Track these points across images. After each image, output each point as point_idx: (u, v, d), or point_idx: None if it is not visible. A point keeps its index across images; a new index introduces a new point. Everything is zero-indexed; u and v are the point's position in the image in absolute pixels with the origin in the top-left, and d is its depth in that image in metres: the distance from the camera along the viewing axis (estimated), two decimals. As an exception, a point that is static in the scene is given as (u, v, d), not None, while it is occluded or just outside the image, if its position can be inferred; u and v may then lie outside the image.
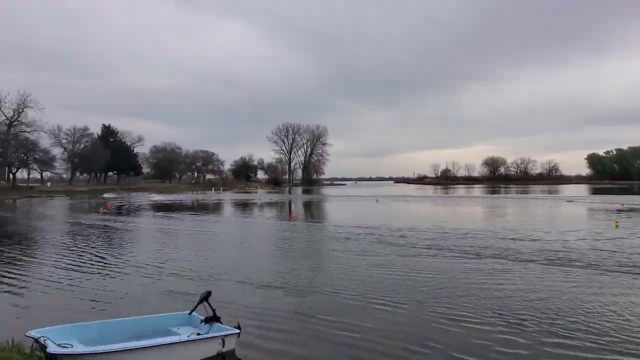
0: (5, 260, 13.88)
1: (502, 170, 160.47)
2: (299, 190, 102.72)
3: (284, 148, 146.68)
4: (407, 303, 8.66)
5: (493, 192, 76.20)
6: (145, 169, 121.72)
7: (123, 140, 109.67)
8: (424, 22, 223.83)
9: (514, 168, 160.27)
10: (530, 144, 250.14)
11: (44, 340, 5.43)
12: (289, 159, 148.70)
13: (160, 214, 32.28)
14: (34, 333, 5.62)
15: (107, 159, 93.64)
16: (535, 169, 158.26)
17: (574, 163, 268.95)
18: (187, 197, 61.47)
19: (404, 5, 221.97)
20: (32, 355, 5.43)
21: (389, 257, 13.59)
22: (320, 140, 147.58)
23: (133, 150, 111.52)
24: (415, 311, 8.17)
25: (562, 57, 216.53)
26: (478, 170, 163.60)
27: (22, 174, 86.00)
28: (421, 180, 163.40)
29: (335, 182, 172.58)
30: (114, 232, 21.15)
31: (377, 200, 48.26)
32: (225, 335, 6.31)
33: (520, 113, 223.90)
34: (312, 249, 15.84)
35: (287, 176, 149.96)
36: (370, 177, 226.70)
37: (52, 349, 5.23)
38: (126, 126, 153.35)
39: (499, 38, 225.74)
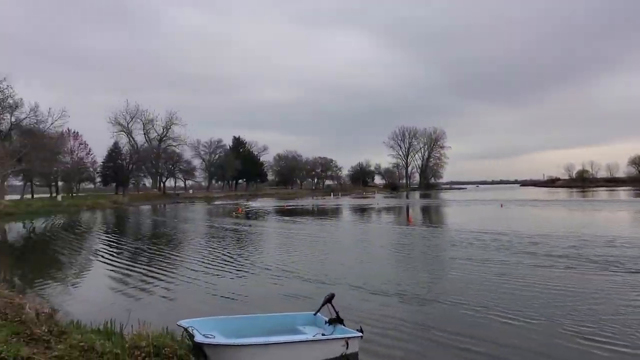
0: (158, 256, 16.04)
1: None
2: (417, 194, 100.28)
3: (400, 152, 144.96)
4: (539, 319, 7.88)
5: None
6: (270, 176, 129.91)
7: (251, 149, 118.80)
8: (541, 13, 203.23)
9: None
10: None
11: (192, 330, 6.13)
12: (406, 163, 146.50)
13: (283, 218, 34.19)
14: (183, 323, 6.39)
15: (238, 168, 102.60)
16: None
17: None
18: (307, 202, 64.04)
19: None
20: (182, 342, 6.05)
21: (517, 267, 12.50)
22: (438, 143, 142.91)
23: (259, 159, 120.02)
24: (549, 329, 7.39)
25: None
26: (623, 171, 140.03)
27: (169, 182, 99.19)
28: (552, 182, 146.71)
29: (454, 186, 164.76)
30: (244, 235, 22.91)
31: (501, 205, 44.89)
32: (349, 338, 6.43)
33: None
34: (431, 255, 15.27)
35: (404, 181, 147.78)
36: (493, 181, 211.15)
37: (198, 338, 5.85)
38: (253, 137, 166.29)
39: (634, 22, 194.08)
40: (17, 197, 63.00)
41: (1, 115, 57.83)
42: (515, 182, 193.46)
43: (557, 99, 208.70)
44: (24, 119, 60.80)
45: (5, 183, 57.31)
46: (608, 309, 8.41)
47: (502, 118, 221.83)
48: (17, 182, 68.75)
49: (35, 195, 70.03)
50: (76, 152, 71.70)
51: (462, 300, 9.15)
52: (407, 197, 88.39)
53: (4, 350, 4.94)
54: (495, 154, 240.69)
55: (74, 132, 71.06)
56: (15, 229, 29.59)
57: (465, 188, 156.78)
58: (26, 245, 21.42)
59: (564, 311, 8.31)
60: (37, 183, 71.48)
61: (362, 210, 44.25)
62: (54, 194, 70.32)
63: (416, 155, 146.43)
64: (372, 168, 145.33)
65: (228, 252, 16.72)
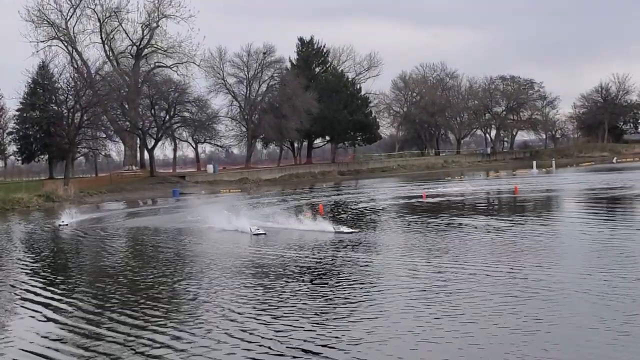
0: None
1: None
2: None
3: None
4: None
5: None
6: (386, 129, 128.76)
7: (339, 68, 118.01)
8: None
9: None
10: None
11: None
12: None
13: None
14: None
15: (311, 110, 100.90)
16: None
17: None
18: (478, 187, 61.64)
19: None
20: None
21: None
22: None
23: (360, 90, 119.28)
24: None
25: None
26: None
27: (162, 150, 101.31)
28: None
29: None
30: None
31: None
32: None
33: None
34: None
35: None
36: None
37: None
38: (343, 38, 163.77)
39: None
40: None
41: None
42: None
43: None
44: None
45: None
46: None
47: None
48: None
49: None
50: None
51: None
52: None
53: None
54: None
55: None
56: None
57: None
58: None
59: None
60: None
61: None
62: None
63: None
64: (635, 97, 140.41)
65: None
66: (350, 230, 32.62)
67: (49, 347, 14.33)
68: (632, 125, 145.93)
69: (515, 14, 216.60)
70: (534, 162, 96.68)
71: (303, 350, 13.13)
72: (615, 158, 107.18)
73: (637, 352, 14.17)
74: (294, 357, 12.50)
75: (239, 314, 16.15)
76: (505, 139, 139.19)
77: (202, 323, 15.92)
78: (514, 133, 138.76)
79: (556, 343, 13.88)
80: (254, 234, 32.13)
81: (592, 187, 57.72)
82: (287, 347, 13.29)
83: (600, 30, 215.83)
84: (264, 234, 32.25)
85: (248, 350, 13.01)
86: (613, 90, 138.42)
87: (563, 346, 13.76)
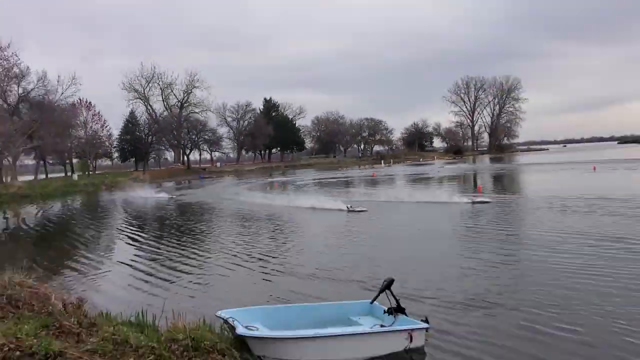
0: (187, 241, 16.64)
1: None
2: (486, 159, 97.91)
3: (464, 109, 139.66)
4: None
5: None
6: (308, 144, 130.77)
7: (285, 113, 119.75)
8: None
9: None
10: None
11: (233, 321, 6.33)
12: (472, 122, 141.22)
13: (328, 190, 34.21)
14: (223, 314, 6.61)
15: (270, 134, 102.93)
16: None
17: None
18: (354, 173, 63.95)
19: None
20: (222, 335, 6.27)
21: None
22: (511, 95, 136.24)
23: (295, 124, 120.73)
24: None
25: None
26: None
27: (193, 155, 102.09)
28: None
29: (533, 147, 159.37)
30: (282, 215, 23.06)
31: (594, 168, 43.07)
32: (413, 330, 6.36)
33: None
34: (507, 236, 14.85)
35: (469, 143, 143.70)
36: (583, 138, 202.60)
37: (240, 330, 6.06)
38: (287, 98, 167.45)
39: None
40: (31, 177, 66.67)
41: (7, 87, 60.10)
42: (612, 139, 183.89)
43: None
44: (31, 89, 63.18)
45: (17, 163, 60.24)
46: None
47: (595, 59, 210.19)
48: (29, 161, 72.21)
49: (49, 175, 73.97)
50: (90, 124, 74.68)
51: (544, 302, 8.62)
52: (474, 162, 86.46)
53: (34, 344, 5.19)
54: (585, 105, 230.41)
55: (87, 101, 73.75)
56: (33, 213, 31.49)
57: (547, 149, 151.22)
58: (46, 231, 22.72)
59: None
60: (51, 161, 75.47)
61: (419, 181, 43.72)
62: (69, 173, 73.92)
63: (484, 111, 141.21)
64: (430, 129, 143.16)
65: (263, 234, 17.14)
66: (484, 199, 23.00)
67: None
68: (429, 143, 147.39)
69: (371, 86, 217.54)
70: (382, 161, 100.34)
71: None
72: (421, 159, 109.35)
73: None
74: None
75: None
76: (368, 149, 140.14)
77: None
78: (372, 146, 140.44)
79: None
80: (352, 211, 21.35)
81: (411, 173, 59.78)
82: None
83: (416, 96, 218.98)
84: (365, 210, 21.38)
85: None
86: (419, 125, 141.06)
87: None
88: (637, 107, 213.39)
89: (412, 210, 21.99)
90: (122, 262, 13.55)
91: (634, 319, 7.06)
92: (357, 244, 14.61)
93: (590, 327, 6.86)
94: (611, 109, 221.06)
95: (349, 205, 22.18)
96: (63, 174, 75.65)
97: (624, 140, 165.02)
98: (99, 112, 75.77)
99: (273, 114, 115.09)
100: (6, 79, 58.59)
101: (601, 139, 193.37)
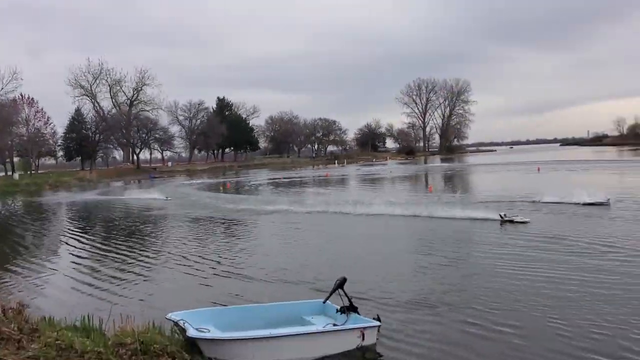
0: (132, 244, 16.26)
1: None
2: (437, 159, 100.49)
3: (416, 110, 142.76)
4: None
5: None
6: (262, 144, 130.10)
7: (238, 112, 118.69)
8: None
9: None
10: None
11: (183, 323, 6.25)
12: (423, 123, 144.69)
13: (281, 191, 34.26)
14: (173, 316, 6.52)
15: (223, 134, 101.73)
16: None
17: None
18: (307, 174, 64.15)
19: None
20: (173, 338, 6.22)
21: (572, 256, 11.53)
22: (461, 97, 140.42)
23: (248, 123, 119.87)
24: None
25: None
26: None
27: (144, 154, 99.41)
28: (599, 140, 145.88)
29: (482, 149, 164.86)
30: (225, 221, 22.88)
31: (538, 169, 45.00)
32: (365, 328, 6.48)
33: None
34: (454, 230, 15.36)
35: (421, 143, 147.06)
36: (528, 140, 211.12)
37: (191, 332, 5.99)
38: (240, 97, 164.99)
39: None
40: (-34, 177, 63.37)
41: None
42: (555, 141, 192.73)
43: (608, 39, 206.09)
44: (-32, 84, 60.43)
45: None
46: None
47: (540, 65, 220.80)
48: (-36, 161, 69.11)
49: (-13, 175, 70.38)
50: (32, 121, 71.91)
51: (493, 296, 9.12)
52: (425, 162, 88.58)
53: None
54: (531, 108, 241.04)
55: (29, 98, 70.94)
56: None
57: (495, 150, 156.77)
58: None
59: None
60: (-11, 160, 71.79)
61: (372, 181, 44.36)
62: (10, 172, 70.66)
63: (435, 113, 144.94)
64: (383, 130, 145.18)
65: (212, 239, 17.06)
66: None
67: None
68: (382, 143, 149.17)
69: (325, 87, 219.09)
70: (336, 161, 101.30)
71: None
72: (374, 159, 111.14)
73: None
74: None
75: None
76: (322, 149, 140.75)
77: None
78: (326, 146, 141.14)
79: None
80: (509, 221, 16.15)
81: (365, 173, 60.66)
82: None
83: (370, 97, 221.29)
84: (527, 221, 16.07)
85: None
86: (373, 126, 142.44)
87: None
88: (577, 111, 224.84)
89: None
90: (66, 266, 13.18)
91: (565, 314, 7.49)
92: (307, 246, 14.71)
93: (527, 323, 7.22)
94: (553, 112, 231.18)
95: (502, 214, 16.82)
96: (3, 173, 72.07)
97: (566, 142, 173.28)
98: (42, 109, 73.30)
99: (226, 113, 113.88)
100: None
101: (545, 141, 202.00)
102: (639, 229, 14.28)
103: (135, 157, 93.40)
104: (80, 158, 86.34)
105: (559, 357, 6.09)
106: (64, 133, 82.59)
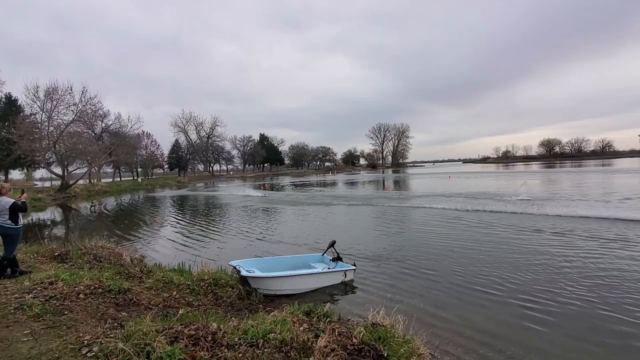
0: (212, 219, 16.12)
1: (557, 149, 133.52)
2: (390, 171, 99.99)
3: (378, 141, 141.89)
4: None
5: (548, 167, 65.19)
6: (286, 161, 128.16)
7: (272, 142, 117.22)
8: (478, 39, 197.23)
9: (569, 147, 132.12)
10: (583, 127, 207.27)
11: (239, 267, 6.23)
12: (382, 149, 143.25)
13: (296, 191, 34.05)
14: (233, 263, 6.51)
15: (263, 155, 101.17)
16: (589, 147, 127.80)
17: (628, 141, 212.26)
18: (313, 179, 63.71)
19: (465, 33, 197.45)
20: (233, 276, 6.22)
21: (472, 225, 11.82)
22: (405, 134, 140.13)
23: (278, 149, 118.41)
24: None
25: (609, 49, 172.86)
26: (535, 151, 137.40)
27: (215, 167, 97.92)
28: (484, 160, 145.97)
29: (416, 164, 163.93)
30: (267, 209, 22.57)
31: (449, 177, 44.75)
32: (347, 270, 6.55)
33: (571, 103, 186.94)
34: (400, 214, 15.16)
35: (380, 161, 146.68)
36: (443, 160, 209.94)
37: (243, 273, 6.00)
38: (273, 133, 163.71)
39: (550, 38, 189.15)
40: (110, 180, 63.19)
41: (95, 123, 56.93)
42: (459, 160, 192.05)
43: (488, 100, 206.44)
44: (110, 124, 59.94)
45: (101, 171, 57.20)
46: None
47: (449, 115, 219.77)
48: (109, 170, 68.71)
49: (122, 179, 70.19)
50: (149, 147, 71.78)
51: (428, 248, 9.04)
52: (383, 172, 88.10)
53: (111, 284, 5.09)
54: (444, 140, 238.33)
55: (147, 133, 71.17)
56: (110, 203, 29.64)
57: (424, 165, 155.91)
58: (119, 213, 21.48)
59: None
60: (123, 170, 71.56)
61: (352, 183, 44.09)
62: (136, 177, 70.53)
63: (389, 143, 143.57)
64: (358, 153, 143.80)
65: (259, 216, 16.73)
66: None
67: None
68: (357, 161, 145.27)
69: (323, 127, 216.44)
70: (330, 172, 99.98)
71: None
72: (352, 171, 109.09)
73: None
74: None
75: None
76: (322, 164, 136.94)
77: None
78: (324, 163, 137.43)
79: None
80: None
81: (347, 178, 57.46)
82: None
83: (349, 133, 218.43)
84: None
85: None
86: (352, 150, 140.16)
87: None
88: (472, 142, 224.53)
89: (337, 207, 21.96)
90: (168, 232, 12.87)
91: (461, 263, 7.56)
92: (309, 224, 14.46)
93: (439, 268, 7.27)
94: (458, 143, 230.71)
95: None
96: (131, 178, 71.79)
97: (466, 161, 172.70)
98: (155, 139, 73.07)
99: (265, 142, 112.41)
100: (94, 117, 55.20)
101: (453, 160, 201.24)
102: (488, 215, 14.12)
103: (210, 168, 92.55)
104: (177, 169, 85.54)
105: (455, 288, 6.20)
106: (168, 154, 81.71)
